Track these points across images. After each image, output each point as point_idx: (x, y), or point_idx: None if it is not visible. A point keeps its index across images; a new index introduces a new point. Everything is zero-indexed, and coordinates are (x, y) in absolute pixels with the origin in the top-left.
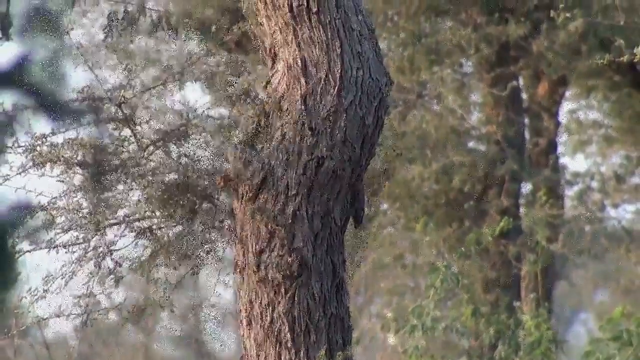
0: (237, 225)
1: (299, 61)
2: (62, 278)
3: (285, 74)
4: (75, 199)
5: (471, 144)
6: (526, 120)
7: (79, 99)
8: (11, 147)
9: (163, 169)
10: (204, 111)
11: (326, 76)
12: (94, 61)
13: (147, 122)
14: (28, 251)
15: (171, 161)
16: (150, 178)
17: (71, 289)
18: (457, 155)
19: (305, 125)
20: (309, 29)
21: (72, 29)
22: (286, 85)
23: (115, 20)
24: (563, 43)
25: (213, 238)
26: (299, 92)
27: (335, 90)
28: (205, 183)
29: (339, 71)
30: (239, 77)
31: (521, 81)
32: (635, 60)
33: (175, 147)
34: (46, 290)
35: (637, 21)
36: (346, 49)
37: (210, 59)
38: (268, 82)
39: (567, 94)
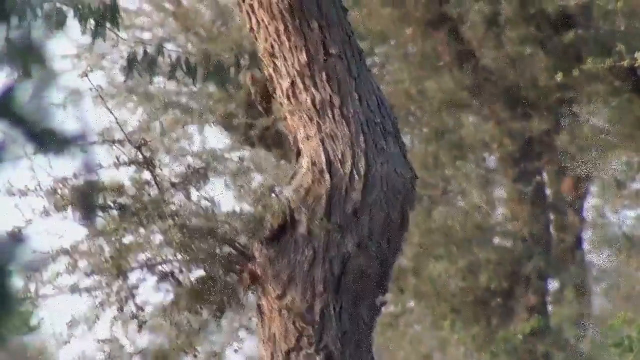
0: (264, 323)
1: (323, 156)
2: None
3: (309, 170)
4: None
5: (497, 241)
6: (551, 216)
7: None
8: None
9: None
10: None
11: (351, 172)
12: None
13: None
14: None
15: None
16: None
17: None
18: (483, 252)
19: (331, 221)
20: (332, 124)
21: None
22: (311, 180)
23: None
24: (586, 138)
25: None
26: (324, 187)
27: (360, 185)
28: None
29: (364, 166)
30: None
31: (545, 176)
32: (636, 65)
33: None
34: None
35: None
36: (370, 144)
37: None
38: (292, 178)
39: (592, 189)
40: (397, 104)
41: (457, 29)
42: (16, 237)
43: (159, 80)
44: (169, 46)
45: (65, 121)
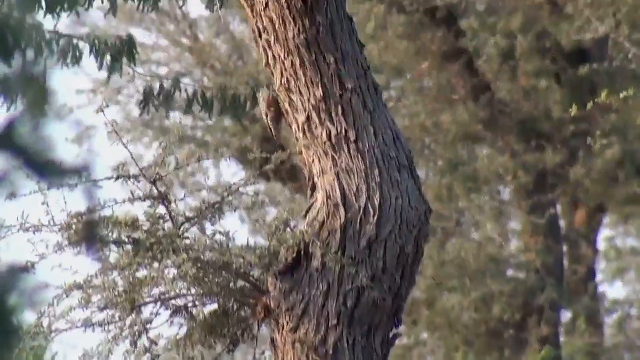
0: (277, 356)
1: (338, 190)
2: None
3: (324, 203)
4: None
5: (510, 272)
6: (564, 248)
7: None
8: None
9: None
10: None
11: (365, 205)
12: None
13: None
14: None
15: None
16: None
17: None
18: (496, 283)
19: (345, 254)
20: (347, 158)
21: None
22: (325, 214)
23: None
24: (600, 170)
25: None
26: (339, 221)
27: (375, 219)
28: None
29: (378, 200)
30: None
31: (559, 208)
32: None
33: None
34: None
35: None
36: (385, 177)
37: (249, 188)
38: (307, 211)
39: (605, 220)
40: (412, 137)
41: (473, 62)
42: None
43: (174, 115)
44: (185, 80)
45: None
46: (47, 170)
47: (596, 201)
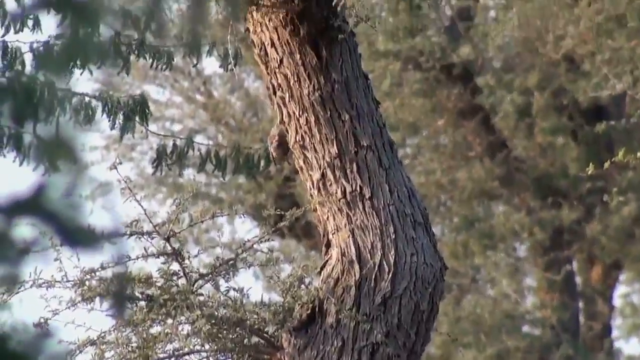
0: None
1: (353, 247)
2: None
3: (339, 260)
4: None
5: (526, 329)
6: (580, 304)
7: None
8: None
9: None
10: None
11: (380, 262)
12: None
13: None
14: None
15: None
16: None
17: None
18: (512, 340)
19: (360, 311)
20: (362, 215)
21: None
22: (340, 271)
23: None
24: (617, 227)
25: None
26: (353, 278)
27: (390, 276)
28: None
29: (393, 257)
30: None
31: (575, 265)
32: None
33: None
34: None
35: None
36: (400, 234)
37: (264, 245)
38: (322, 268)
39: (621, 277)
40: (429, 194)
41: (489, 119)
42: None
43: (188, 172)
44: (199, 137)
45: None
46: (78, 236)
47: (612, 258)
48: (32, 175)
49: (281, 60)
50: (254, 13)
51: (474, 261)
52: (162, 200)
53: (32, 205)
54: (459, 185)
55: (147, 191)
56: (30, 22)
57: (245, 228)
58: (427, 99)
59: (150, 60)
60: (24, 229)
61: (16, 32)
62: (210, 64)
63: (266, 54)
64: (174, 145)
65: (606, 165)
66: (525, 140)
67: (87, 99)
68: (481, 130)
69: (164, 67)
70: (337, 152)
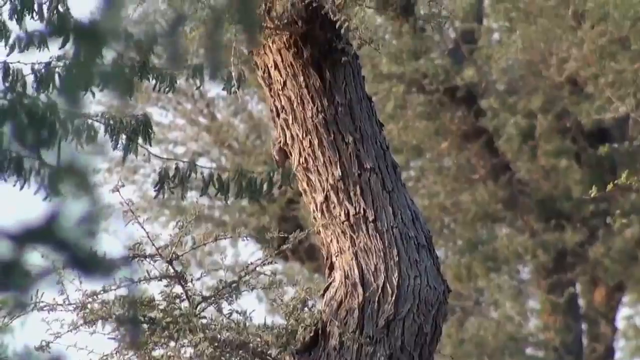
0: None
1: (356, 270)
2: None
3: (342, 283)
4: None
5: (529, 351)
6: (583, 327)
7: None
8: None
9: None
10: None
11: (384, 285)
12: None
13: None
14: None
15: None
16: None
17: None
18: None
19: (363, 333)
20: (366, 237)
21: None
22: (343, 293)
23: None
24: (620, 249)
25: None
26: (357, 300)
27: (393, 298)
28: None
29: (397, 280)
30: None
31: (578, 287)
32: None
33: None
34: None
35: None
36: (403, 257)
37: (267, 267)
38: (325, 291)
39: (624, 299)
40: (432, 217)
41: (493, 142)
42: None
43: (191, 195)
44: (202, 160)
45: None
46: (90, 265)
47: (615, 280)
48: (36, 200)
49: (285, 83)
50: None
51: (477, 283)
52: (165, 223)
53: (44, 233)
54: (462, 208)
55: (150, 214)
56: (36, 41)
57: (249, 251)
58: (431, 121)
59: (154, 82)
60: (35, 257)
61: (21, 51)
62: (214, 86)
63: (270, 76)
64: (176, 168)
65: (609, 187)
66: (529, 162)
67: (89, 120)
68: (485, 152)
69: (167, 89)
70: (340, 174)
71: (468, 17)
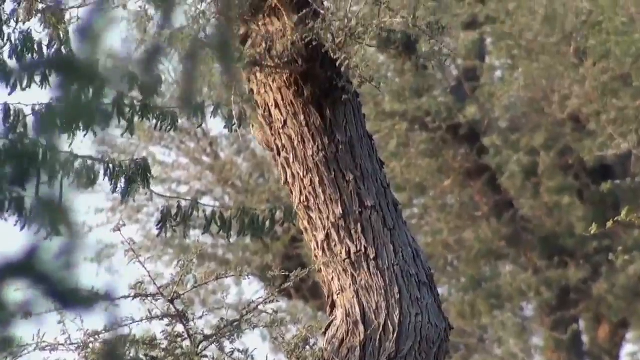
0: None
1: (358, 308)
2: None
3: (344, 321)
4: None
5: None
6: None
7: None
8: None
9: None
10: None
11: (385, 322)
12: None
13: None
14: None
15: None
16: None
17: None
18: None
19: None
20: (367, 275)
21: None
22: (345, 331)
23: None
24: (623, 286)
25: None
26: (358, 338)
27: (394, 336)
28: None
29: (398, 317)
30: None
31: (582, 324)
32: None
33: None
34: None
35: None
36: (405, 294)
37: (269, 306)
38: (327, 329)
39: (628, 336)
40: (435, 254)
41: (495, 179)
42: None
43: (194, 233)
44: (205, 199)
45: (91, 278)
46: (70, 298)
47: (619, 317)
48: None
49: (285, 121)
50: (258, 74)
51: (481, 321)
52: (168, 262)
53: (24, 267)
54: (465, 245)
55: (153, 253)
56: (37, 78)
57: (253, 289)
58: (434, 159)
59: (155, 121)
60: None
61: (23, 90)
62: (217, 125)
63: (270, 114)
64: (179, 206)
65: (609, 224)
66: (532, 199)
67: (89, 162)
68: (488, 190)
69: (169, 128)
70: (341, 212)
71: (470, 54)
